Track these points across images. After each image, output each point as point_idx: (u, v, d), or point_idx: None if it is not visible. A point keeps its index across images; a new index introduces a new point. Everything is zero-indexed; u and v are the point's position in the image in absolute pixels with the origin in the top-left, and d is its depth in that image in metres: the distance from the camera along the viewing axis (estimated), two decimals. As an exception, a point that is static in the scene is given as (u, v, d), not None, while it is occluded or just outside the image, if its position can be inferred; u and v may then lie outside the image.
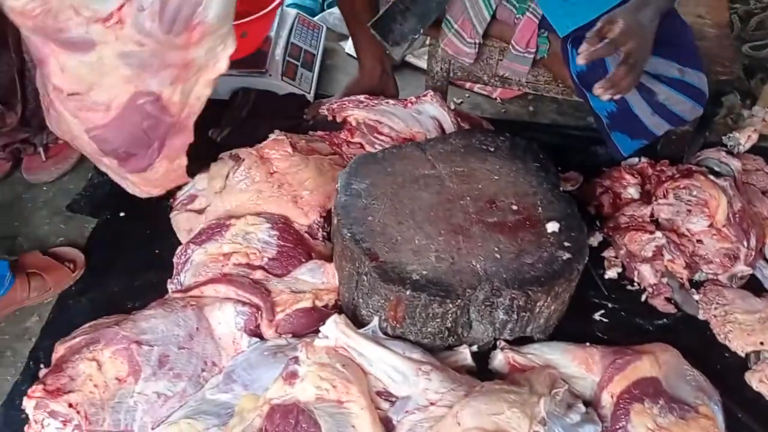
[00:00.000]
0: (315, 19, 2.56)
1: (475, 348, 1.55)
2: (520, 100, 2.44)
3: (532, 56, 1.87)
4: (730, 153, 2.03)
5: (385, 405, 1.37)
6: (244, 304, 1.50)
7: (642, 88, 1.70)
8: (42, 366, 1.48)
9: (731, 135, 2.11)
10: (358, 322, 1.53)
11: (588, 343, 1.53)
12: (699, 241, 1.74)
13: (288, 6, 2.54)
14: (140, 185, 1.44)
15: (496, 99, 2.43)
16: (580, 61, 1.45)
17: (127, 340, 1.37)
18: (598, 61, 1.77)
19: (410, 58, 2.52)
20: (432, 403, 1.34)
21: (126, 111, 1.26)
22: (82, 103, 1.25)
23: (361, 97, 1.99)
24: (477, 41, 1.86)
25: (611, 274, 1.77)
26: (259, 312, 1.50)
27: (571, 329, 1.62)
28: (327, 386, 1.32)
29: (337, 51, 2.59)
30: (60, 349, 1.41)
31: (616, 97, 1.49)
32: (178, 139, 1.35)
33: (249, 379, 1.40)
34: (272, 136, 1.81)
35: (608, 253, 1.81)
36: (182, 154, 1.39)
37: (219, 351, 1.47)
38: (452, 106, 2.27)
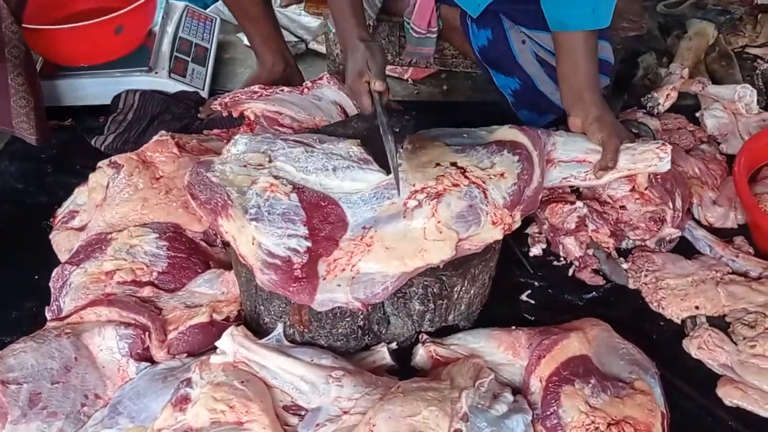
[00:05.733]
0: (208, 10, 2.40)
1: (395, 345, 1.43)
2: (432, 80, 2.32)
3: (435, 35, 1.79)
4: (649, 113, 1.96)
5: (293, 420, 1.24)
6: (127, 325, 1.33)
7: (545, 64, 1.64)
8: None
9: (650, 95, 2.03)
10: (263, 331, 1.39)
11: (514, 327, 1.42)
12: (622, 207, 1.64)
13: (176, -3, 2.36)
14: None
15: (407, 80, 2.31)
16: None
17: (-10, 381, 1.20)
18: (500, 35, 1.70)
19: (313, 45, 2.39)
20: (345, 412, 1.22)
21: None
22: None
23: (255, 88, 1.84)
24: (372, 24, 1.79)
25: (536, 251, 1.67)
26: (147, 333, 1.34)
27: (497, 313, 1.52)
28: (223, 407, 1.17)
29: (235, 43, 2.43)
30: None
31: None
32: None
33: (135, 410, 1.24)
34: (155, 138, 1.65)
35: (531, 230, 1.71)
36: None
37: (103, 381, 1.30)
38: (360, 91, 2.14)
